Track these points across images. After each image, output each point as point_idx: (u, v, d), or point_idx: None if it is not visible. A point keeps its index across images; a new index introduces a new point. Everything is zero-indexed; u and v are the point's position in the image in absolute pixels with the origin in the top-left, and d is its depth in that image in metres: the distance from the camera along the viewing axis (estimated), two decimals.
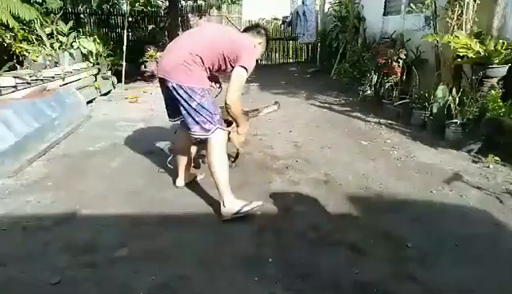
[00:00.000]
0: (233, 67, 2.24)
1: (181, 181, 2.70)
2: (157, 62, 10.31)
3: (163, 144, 3.55)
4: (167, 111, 2.49)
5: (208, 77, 2.29)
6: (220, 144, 2.23)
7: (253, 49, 2.33)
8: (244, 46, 2.26)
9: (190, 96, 2.14)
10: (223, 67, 2.29)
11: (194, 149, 2.79)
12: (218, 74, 2.48)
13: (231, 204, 2.24)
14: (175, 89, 2.16)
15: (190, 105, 2.15)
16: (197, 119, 2.17)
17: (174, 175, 2.81)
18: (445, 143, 3.69)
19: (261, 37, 2.48)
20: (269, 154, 3.42)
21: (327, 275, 1.79)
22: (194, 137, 2.32)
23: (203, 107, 2.16)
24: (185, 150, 2.64)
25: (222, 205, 2.25)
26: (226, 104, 2.23)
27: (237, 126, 2.48)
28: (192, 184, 2.76)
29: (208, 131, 2.19)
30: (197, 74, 2.17)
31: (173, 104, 2.29)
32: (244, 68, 2.20)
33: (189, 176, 2.75)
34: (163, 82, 2.28)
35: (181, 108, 2.20)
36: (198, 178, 2.83)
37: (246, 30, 2.53)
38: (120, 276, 1.77)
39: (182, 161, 2.65)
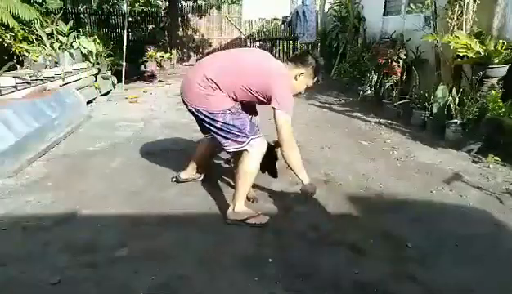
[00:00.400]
0: (268, 101, 2.12)
1: (184, 175, 2.70)
2: (157, 62, 10.34)
3: None
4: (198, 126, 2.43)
5: (243, 105, 2.19)
6: (255, 155, 2.13)
7: (285, 83, 2.11)
8: (273, 84, 2.06)
9: (212, 119, 2.09)
10: (255, 100, 2.18)
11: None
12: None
13: (241, 211, 2.21)
14: (194, 113, 2.15)
15: (215, 126, 2.11)
16: (226, 136, 2.12)
17: (173, 174, 2.81)
18: (445, 143, 3.69)
19: (305, 67, 2.18)
20: None
21: (327, 275, 1.79)
22: (228, 152, 2.28)
23: (229, 125, 2.09)
24: (203, 153, 2.66)
25: (231, 207, 2.22)
26: (283, 157, 2.17)
27: (303, 185, 2.26)
28: (192, 184, 2.76)
29: (242, 143, 2.11)
30: (215, 98, 2.07)
31: (200, 123, 2.26)
32: (283, 110, 2.05)
33: (193, 175, 2.75)
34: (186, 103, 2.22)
35: (208, 127, 2.16)
36: (198, 178, 2.82)
37: (291, 59, 2.28)
38: (120, 276, 1.76)
39: (196, 159, 2.67)
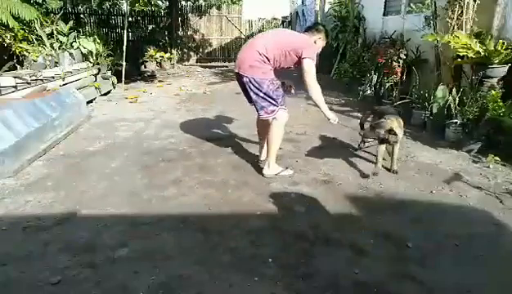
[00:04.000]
0: (295, 65, 2.80)
1: (262, 156, 3.14)
2: (157, 62, 10.33)
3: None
4: (246, 98, 2.97)
5: (275, 73, 2.81)
6: (280, 123, 2.81)
7: (311, 44, 2.83)
8: (303, 44, 2.75)
9: (260, 85, 2.69)
10: (286, 65, 2.80)
11: None
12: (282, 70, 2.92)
13: (273, 167, 2.90)
14: (247, 82, 2.71)
15: (258, 94, 2.72)
16: (263, 104, 2.74)
17: (173, 174, 2.83)
18: (445, 143, 3.69)
19: (319, 32, 2.91)
20: None
21: (327, 275, 1.79)
22: (261, 119, 2.88)
23: (268, 96, 2.71)
24: (262, 132, 3.10)
25: (266, 166, 2.90)
26: (309, 93, 2.81)
27: (328, 116, 2.92)
28: (192, 184, 2.77)
29: (272, 112, 2.75)
30: (264, 69, 2.69)
31: (247, 94, 2.85)
32: (309, 58, 2.70)
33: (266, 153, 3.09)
34: (238, 77, 2.80)
35: (252, 96, 2.76)
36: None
37: (306, 30, 2.98)
38: (120, 276, 1.77)
39: (262, 140, 3.13)
